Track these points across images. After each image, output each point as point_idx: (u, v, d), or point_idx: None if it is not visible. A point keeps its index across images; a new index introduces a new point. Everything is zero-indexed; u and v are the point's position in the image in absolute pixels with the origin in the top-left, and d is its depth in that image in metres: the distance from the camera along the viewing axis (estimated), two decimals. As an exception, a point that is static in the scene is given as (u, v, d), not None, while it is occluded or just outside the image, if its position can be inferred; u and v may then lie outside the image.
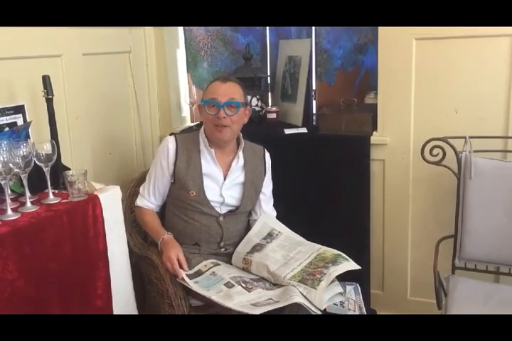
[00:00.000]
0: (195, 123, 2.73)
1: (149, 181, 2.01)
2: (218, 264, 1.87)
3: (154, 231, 1.97)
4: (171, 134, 2.06)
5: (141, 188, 2.06)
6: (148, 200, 2.02)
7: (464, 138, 2.02)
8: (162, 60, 2.62)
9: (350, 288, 1.91)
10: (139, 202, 2.03)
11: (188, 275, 1.80)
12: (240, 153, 2.01)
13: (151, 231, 1.99)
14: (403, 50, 2.18)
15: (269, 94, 2.83)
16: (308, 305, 1.66)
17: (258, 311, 1.60)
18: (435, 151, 2.04)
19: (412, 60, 2.18)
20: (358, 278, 1.96)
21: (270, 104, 2.79)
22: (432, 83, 2.19)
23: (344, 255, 1.85)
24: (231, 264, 1.94)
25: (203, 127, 2.02)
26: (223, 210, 1.99)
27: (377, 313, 2.27)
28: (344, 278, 1.83)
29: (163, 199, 2.04)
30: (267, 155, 2.11)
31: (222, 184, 1.98)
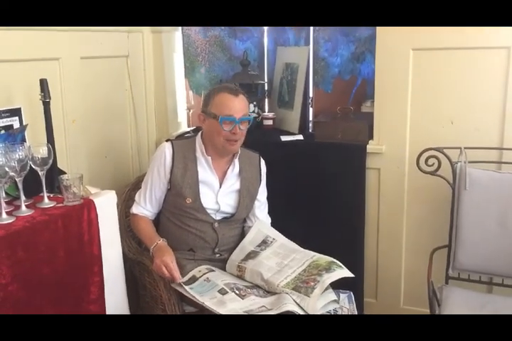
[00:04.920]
0: (191, 129, 2.73)
1: (145, 188, 1.99)
2: (213, 270, 1.87)
3: (148, 237, 1.94)
4: (167, 140, 2.05)
5: (136, 196, 2.03)
6: (145, 208, 2.00)
7: (460, 148, 2.04)
8: (160, 65, 2.62)
9: (344, 296, 1.90)
10: (135, 209, 2.01)
11: (183, 282, 1.79)
12: (236, 161, 2.00)
13: (145, 238, 1.96)
14: (400, 60, 2.20)
15: (266, 100, 2.84)
16: (301, 313, 1.66)
17: None
18: (430, 161, 2.06)
19: (408, 70, 2.20)
20: (351, 286, 1.96)
21: (267, 111, 2.80)
22: (428, 93, 2.20)
23: (338, 262, 1.85)
24: (225, 271, 1.94)
25: (199, 134, 2.00)
26: (218, 217, 1.99)
27: (370, 322, 2.26)
28: (338, 286, 1.83)
29: (160, 207, 2.02)
30: (263, 162, 2.11)
31: (217, 191, 1.98)
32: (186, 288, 1.74)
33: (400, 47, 2.18)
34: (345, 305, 1.89)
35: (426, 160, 2.06)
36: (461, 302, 1.93)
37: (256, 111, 2.64)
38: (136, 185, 2.15)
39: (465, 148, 2.03)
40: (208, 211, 1.96)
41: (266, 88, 2.80)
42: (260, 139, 2.45)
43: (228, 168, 2.00)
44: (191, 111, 2.71)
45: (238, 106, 1.88)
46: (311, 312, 1.67)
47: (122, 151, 2.51)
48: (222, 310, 1.63)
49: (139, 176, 2.29)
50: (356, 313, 1.91)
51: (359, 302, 2.19)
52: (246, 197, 2.02)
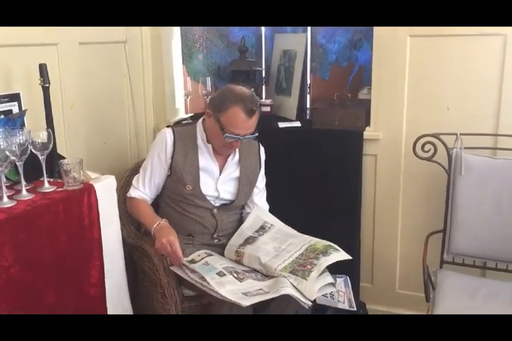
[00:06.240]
0: (190, 115, 2.73)
1: (144, 173, 1.99)
2: (211, 255, 1.89)
3: (148, 218, 1.93)
4: (167, 126, 2.05)
5: (134, 180, 2.03)
6: (143, 192, 2.00)
7: (455, 134, 2.05)
8: (157, 51, 2.61)
9: (340, 280, 1.94)
10: (133, 193, 2.00)
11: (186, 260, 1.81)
12: (236, 149, 2.01)
13: (144, 219, 1.95)
14: (397, 46, 2.20)
15: (264, 87, 2.85)
16: (298, 296, 1.69)
17: (248, 301, 1.63)
18: (427, 147, 2.07)
19: (406, 56, 2.20)
20: (348, 271, 2.00)
21: (264, 97, 2.80)
22: (424, 80, 2.21)
23: (335, 246, 1.87)
24: (224, 256, 1.96)
25: (200, 121, 2.00)
26: (217, 203, 2.00)
27: (367, 306, 2.30)
28: (335, 270, 1.85)
29: (158, 192, 2.03)
30: (262, 150, 2.12)
31: (217, 179, 1.99)
32: (187, 264, 1.76)
33: (397, 34, 2.18)
34: (341, 289, 1.93)
35: (422, 147, 2.08)
36: (455, 286, 1.96)
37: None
38: (134, 170, 2.16)
39: (461, 134, 2.05)
40: (208, 198, 1.97)
41: (263, 75, 2.81)
42: (258, 126, 2.46)
43: (228, 155, 2.01)
44: (189, 97, 2.71)
45: (248, 126, 1.87)
46: (308, 295, 1.70)
47: (120, 137, 2.51)
48: (221, 290, 1.66)
49: (137, 162, 2.31)
50: (352, 297, 1.95)
51: (355, 287, 2.22)
52: (245, 184, 2.04)
